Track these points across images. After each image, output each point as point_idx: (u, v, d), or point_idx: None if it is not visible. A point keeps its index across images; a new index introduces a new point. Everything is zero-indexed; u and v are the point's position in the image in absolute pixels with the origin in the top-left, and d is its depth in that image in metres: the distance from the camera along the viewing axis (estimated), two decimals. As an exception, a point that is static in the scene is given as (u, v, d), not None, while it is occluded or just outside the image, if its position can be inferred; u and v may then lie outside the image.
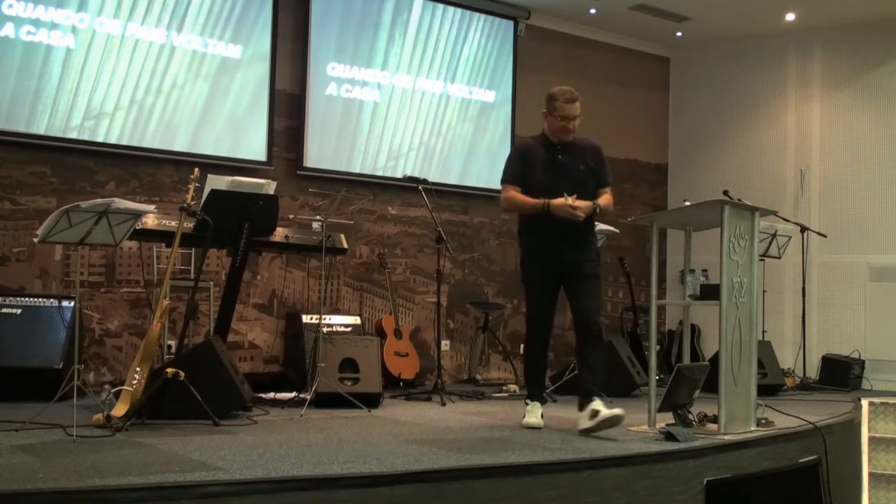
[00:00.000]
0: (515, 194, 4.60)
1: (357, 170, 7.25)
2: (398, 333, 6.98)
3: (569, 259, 4.55)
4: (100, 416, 4.09)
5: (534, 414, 4.63)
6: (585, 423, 4.34)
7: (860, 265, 8.06)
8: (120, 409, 4.20)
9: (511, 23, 8.15)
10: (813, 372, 7.57)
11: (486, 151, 7.96)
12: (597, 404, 4.36)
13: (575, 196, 4.44)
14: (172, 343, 5.74)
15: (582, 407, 4.43)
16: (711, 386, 4.50)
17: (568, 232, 4.51)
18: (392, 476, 3.16)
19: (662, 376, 6.16)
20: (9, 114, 5.81)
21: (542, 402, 4.74)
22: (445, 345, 7.61)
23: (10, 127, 5.82)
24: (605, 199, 4.63)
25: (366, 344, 5.54)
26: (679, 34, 8.79)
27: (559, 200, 4.43)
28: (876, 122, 8.11)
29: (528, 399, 4.73)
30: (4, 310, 5.23)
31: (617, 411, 4.29)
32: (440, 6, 7.72)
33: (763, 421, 4.67)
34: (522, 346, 4.68)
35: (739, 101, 8.87)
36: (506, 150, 7.99)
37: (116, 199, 4.08)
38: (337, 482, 3.06)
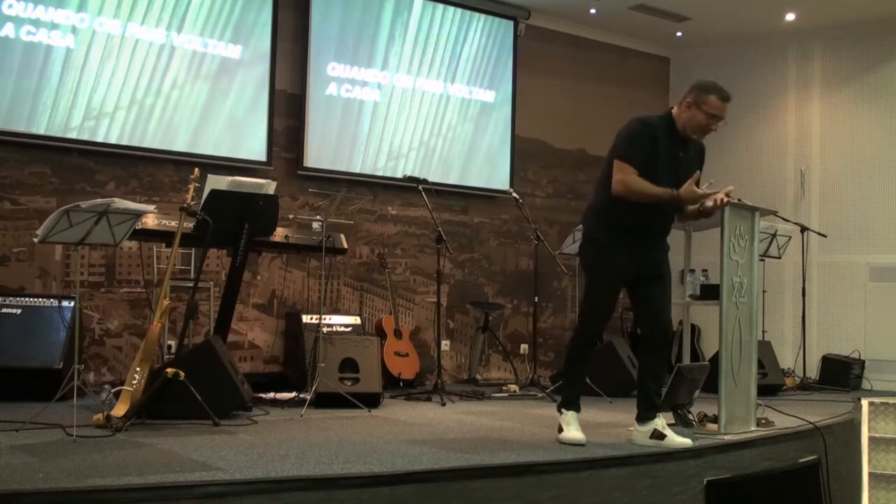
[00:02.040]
0: (639, 178, 4.01)
1: (357, 170, 7.25)
2: (398, 333, 6.98)
3: (651, 257, 4.18)
4: (100, 416, 4.09)
5: (574, 427, 4.07)
6: (645, 441, 4.05)
7: (860, 265, 8.06)
8: (120, 409, 4.20)
9: (511, 23, 8.15)
10: (813, 372, 7.56)
11: (486, 151, 7.96)
12: (661, 425, 4.06)
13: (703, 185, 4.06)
14: (172, 343, 5.74)
15: (643, 420, 4.11)
16: (711, 386, 4.50)
17: (660, 229, 4.20)
18: (392, 476, 3.16)
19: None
20: (9, 114, 5.81)
21: (579, 409, 4.18)
22: (445, 345, 7.61)
23: (10, 127, 5.82)
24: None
25: (366, 344, 5.53)
26: (679, 34, 8.79)
27: (692, 187, 3.97)
28: (876, 122, 8.11)
29: (563, 407, 4.17)
30: (4, 310, 5.23)
31: (686, 442, 4.01)
32: (440, 6, 7.72)
33: (763, 421, 4.67)
34: (567, 345, 4.22)
35: (739, 102, 8.73)
36: (506, 150, 8.03)
37: (116, 199, 4.07)
38: (337, 482, 3.06)
